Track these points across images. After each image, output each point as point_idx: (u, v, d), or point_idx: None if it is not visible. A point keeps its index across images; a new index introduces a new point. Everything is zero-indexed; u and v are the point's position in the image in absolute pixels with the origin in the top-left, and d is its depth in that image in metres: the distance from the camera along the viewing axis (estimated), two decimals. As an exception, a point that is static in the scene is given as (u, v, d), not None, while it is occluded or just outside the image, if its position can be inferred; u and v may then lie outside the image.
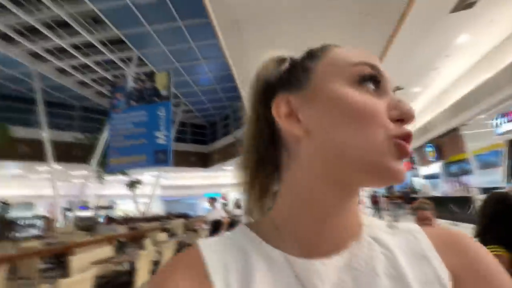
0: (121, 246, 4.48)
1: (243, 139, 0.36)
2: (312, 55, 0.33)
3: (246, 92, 0.36)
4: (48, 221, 10.57)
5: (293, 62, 0.34)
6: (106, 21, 8.22)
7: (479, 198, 7.02)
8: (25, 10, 7.72)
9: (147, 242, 4.34)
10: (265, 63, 0.35)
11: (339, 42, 0.34)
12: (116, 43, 9.56)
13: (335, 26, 4.99)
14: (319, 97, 0.30)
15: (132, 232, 6.67)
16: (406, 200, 11.09)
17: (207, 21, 4.76)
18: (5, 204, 11.15)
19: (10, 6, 7.44)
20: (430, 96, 9.97)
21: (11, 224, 9.57)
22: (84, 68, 11.19)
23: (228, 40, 4.66)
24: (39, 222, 10.47)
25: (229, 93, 13.68)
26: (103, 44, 9.52)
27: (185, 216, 12.99)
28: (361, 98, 0.28)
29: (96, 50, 9.85)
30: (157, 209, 19.62)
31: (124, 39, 9.18)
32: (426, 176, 13.21)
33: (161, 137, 5.87)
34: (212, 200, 5.24)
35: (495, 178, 8.05)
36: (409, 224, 0.34)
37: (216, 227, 4.85)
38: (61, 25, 8.45)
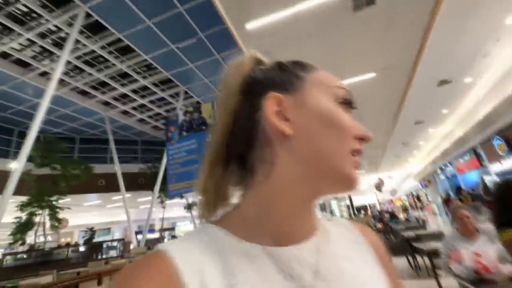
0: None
1: (211, 134, 0.36)
2: (304, 66, 0.36)
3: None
4: (125, 243, 12.08)
5: (284, 67, 0.36)
6: (157, 66, 9.62)
7: None
8: (96, 68, 9.53)
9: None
10: (244, 61, 0.37)
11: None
12: (165, 83, 10.99)
13: (361, 34, 5.06)
14: (308, 104, 0.33)
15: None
16: (482, 202, 9.83)
17: (239, 50, 5.34)
18: (92, 231, 13.22)
19: (84, 67, 9.28)
20: (484, 85, 8.98)
21: (98, 247, 11.24)
22: (142, 107, 12.93)
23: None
24: (118, 245, 12.00)
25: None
26: (155, 85, 11.02)
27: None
28: (342, 115, 0.33)
29: (150, 91, 11.41)
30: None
31: (171, 78, 10.51)
32: (499, 173, 11.54)
33: (210, 161, 6.48)
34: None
35: None
36: (338, 218, 0.43)
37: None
38: (123, 76, 10.15)
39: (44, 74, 9.25)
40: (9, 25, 7.22)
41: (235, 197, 0.36)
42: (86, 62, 9.20)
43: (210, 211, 0.36)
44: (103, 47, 8.52)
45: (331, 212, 22.21)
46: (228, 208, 0.36)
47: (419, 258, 4.42)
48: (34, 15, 7.18)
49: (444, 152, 15.38)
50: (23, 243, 9.76)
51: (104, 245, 11.73)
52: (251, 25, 4.48)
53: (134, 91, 11.28)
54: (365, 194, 27.26)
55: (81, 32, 7.71)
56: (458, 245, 2.03)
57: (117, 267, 5.25)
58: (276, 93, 0.33)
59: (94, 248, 10.90)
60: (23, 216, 9.27)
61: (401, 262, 5.10)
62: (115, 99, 11.73)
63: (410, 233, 4.73)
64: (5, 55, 8.44)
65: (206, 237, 0.31)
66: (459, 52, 6.74)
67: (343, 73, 6.38)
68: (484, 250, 1.75)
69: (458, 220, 2.18)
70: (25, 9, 7.01)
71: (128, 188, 12.92)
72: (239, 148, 0.34)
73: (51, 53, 8.54)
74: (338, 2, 4.32)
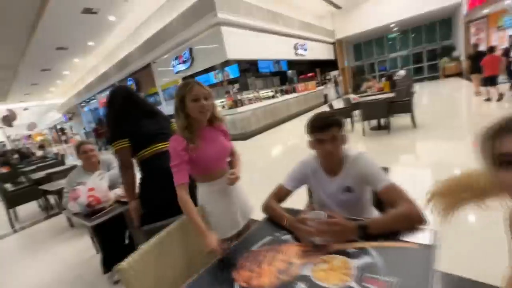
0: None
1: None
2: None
3: None
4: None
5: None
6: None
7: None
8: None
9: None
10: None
11: None
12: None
13: None
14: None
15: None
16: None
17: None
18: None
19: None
20: (127, 28, 10.03)
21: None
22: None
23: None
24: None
25: None
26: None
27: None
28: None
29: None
30: None
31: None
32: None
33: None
34: None
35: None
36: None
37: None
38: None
39: None
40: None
41: None
42: None
43: None
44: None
45: None
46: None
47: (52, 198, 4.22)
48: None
49: (89, 85, 15.60)
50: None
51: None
52: None
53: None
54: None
55: None
56: (83, 180, 2.04)
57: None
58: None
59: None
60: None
61: (31, 207, 4.56)
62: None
63: (41, 174, 4.26)
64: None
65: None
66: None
67: None
68: (98, 183, 1.91)
69: (82, 155, 2.17)
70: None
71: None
72: None
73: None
74: None
